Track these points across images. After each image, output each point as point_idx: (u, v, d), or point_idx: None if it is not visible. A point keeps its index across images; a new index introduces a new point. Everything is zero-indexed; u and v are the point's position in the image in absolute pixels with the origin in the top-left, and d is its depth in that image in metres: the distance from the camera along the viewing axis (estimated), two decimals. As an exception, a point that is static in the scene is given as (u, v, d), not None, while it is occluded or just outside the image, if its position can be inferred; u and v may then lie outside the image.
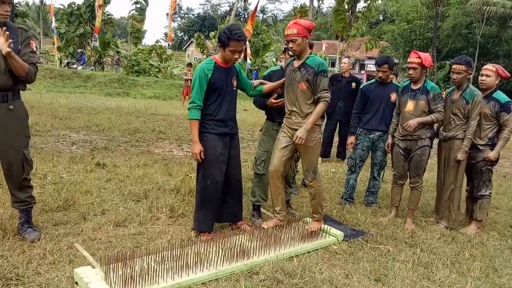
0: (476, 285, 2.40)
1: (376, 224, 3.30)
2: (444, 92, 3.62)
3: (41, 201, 3.11)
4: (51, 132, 6.15)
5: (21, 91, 2.47)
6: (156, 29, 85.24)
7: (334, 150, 6.05)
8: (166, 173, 4.34)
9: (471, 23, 24.81)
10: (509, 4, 21.50)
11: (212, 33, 26.75)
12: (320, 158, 5.15)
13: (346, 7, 19.26)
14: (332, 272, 2.39)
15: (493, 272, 2.59)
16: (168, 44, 20.45)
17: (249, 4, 37.97)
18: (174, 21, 20.72)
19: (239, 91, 2.94)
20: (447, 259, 2.69)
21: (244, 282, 2.18)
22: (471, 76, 3.33)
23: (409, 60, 3.27)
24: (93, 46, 19.17)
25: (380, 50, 27.37)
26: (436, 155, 3.56)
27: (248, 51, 19.17)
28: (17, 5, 28.83)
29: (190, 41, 43.19)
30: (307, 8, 22.68)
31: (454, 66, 3.24)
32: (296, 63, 2.74)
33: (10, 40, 2.16)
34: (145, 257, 2.20)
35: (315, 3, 26.07)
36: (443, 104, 3.23)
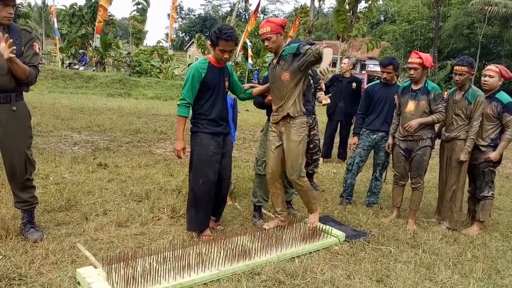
0: (479, 286, 2.40)
1: (378, 224, 3.30)
2: (446, 93, 3.62)
3: (44, 201, 3.12)
4: (53, 133, 6.16)
5: (23, 92, 2.48)
6: (158, 29, 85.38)
7: (335, 150, 6.05)
8: (168, 174, 4.35)
9: (473, 23, 24.75)
10: (511, 4, 21.44)
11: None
12: (321, 159, 5.15)
13: (347, 7, 19.25)
14: (334, 273, 2.39)
15: (495, 274, 2.59)
16: (170, 45, 20.47)
17: (250, 5, 38.07)
18: (175, 21, 20.69)
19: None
20: (449, 260, 2.69)
21: (246, 283, 2.18)
22: (473, 77, 3.33)
23: (409, 60, 3.27)
24: (95, 47, 19.21)
25: (381, 51, 27.33)
26: (438, 156, 3.55)
27: (249, 52, 19.21)
28: (20, 6, 28.95)
29: (191, 41, 43.25)
30: (308, 8, 22.70)
31: (456, 68, 3.23)
32: (275, 60, 2.79)
33: (14, 48, 2.17)
34: (147, 257, 2.21)
35: (316, 4, 26.01)
36: (444, 104, 3.23)
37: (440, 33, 25.56)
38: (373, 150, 3.79)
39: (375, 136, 3.69)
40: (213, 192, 2.76)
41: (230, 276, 2.25)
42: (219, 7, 58.67)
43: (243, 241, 2.51)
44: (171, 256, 2.23)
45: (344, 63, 5.70)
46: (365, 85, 5.90)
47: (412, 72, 3.24)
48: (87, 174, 4.08)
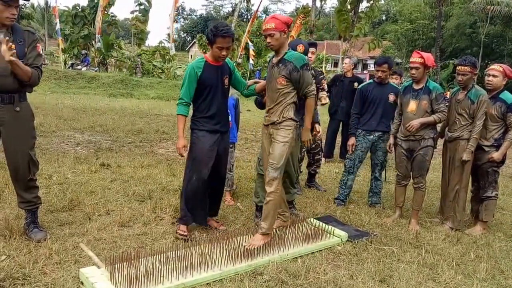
0: (482, 286, 2.39)
1: (380, 224, 3.29)
2: (449, 92, 3.61)
3: (47, 201, 3.13)
4: (56, 133, 6.19)
5: (27, 93, 2.49)
6: (160, 30, 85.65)
7: (337, 150, 6.04)
8: (170, 174, 4.35)
9: (475, 22, 24.66)
10: (514, 3, 21.34)
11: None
12: (323, 159, 5.14)
13: (349, 7, 19.23)
14: (337, 273, 2.38)
15: (499, 274, 2.58)
16: (172, 45, 20.50)
17: (252, 5, 38.07)
18: (176, 22, 20.73)
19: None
20: (453, 260, 2.68)
21: (248, 283, 2.18)
22: (475, 77, 3.32)
23: (411, 60, 3.26)
24: (97, 47, 19.27)
25: (383, 50, 27.29)
26: (441, 156, 3.54)
27: (251, 51, 19.21)
28: (22, 6, 29.03)
29: (193, 42, 43.30)
30: (309, 8, 22.66)
31: (458, 68, 3.22)
32: (275, 59, 2.67)
33: (14, 51, 2.18)
34: (149, 257, 2.21)
35: (318, 4, 26.00)
36: (445, 104, 3.22)
37: (442, 33, 25.48)
38: (369, 151, 3.77)
39: (371, 136, 3.68)
40: (207, 189, 2.79)
41: (233, 276, 2.26)
42: (220, 7, 58.74)
43: (245, 241, 2.51)
44: (173, 256, 2.24)
45: (346, 63, 5.70)
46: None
47: (413, 71, 3.23)
48: (89, 174, 4.09)
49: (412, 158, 3.31)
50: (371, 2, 18.68)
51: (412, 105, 3.25)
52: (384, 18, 40.93)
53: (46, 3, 31.60)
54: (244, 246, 2.45)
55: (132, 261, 2.11)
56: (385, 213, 3.63)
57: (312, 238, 2.73)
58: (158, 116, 9.31)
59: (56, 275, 2.13)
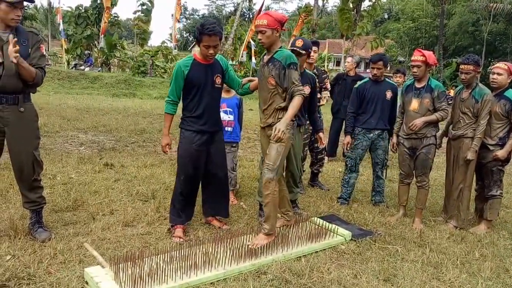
0: (487, 285, 2.38)
1: (384, 223, 3.28)
2: (452, 91, 3.60)
3: (51, 201, 3.15)
4: (59, 133, 6.22)
5: (31, 94, 2.50)
6: (162, 30, 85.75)
7: (340, 149, 6.02)
8: (173, 173, 4.34)
9: (478, 20, 24.52)
10: (517, 1, 21.20)
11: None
12: (326, 158, 5.13)
13: (351, 6, 19.18)
14: (341, 272, 2.38)
15: (504, 272, 2.56)
16: (174, 45, 20.54)
17: (254, 4, 38.00)
18: (179, 21, 20.70)
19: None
20: (457, 259, 2.67)
21: (252, 282, 2.18)
22: (479, 75, 3.30)
23: (412, 58, 3.26)
24: (100, 48, 19.32)
25: (386, 49, 27.17)
26: (444, 154, 3.52)
27: (253, 50, 19.19)
28: (26, 7, 29.16)
29: (195, 41, 43.34)
30: (311, 7, 22.63)
31: (462, 66, 3.21)
32: (266, 57, 2.62)
33: (17, 54, 2.19)
34: (154, 257, 2.22)
35: (320, 2, 25.92)
36: (448, 102, 3.21)
37: (445, 31, 25.36)
38: (369, 149, 3.74)
39: (371, 134, 3.66)
40: (196, 189, 2.79)
41: (237, 275, 2.26)
42: (223, 7, 58.73)
43: (249, 240, 2.51)
44: (177, 255, 2.24)
45: (348, 62, 5.68)
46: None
47: (415, 70, 3.22)
48: (93, 174, 4.11)
49: (415, 157, 3.30)
50: (373, 0, 18.63)
51: (414, 104, 3.24)
52: (386, 16, 40.77)
53: (49, 4, 31.72)
54: (248, 246, 2.45)
55: (136, 261, 2.12)
56: (389, 212, 3.62)
57: (316, 237, 2.73)
58: (161, 116, 9.31)
59: (61, 274, 2.14)
